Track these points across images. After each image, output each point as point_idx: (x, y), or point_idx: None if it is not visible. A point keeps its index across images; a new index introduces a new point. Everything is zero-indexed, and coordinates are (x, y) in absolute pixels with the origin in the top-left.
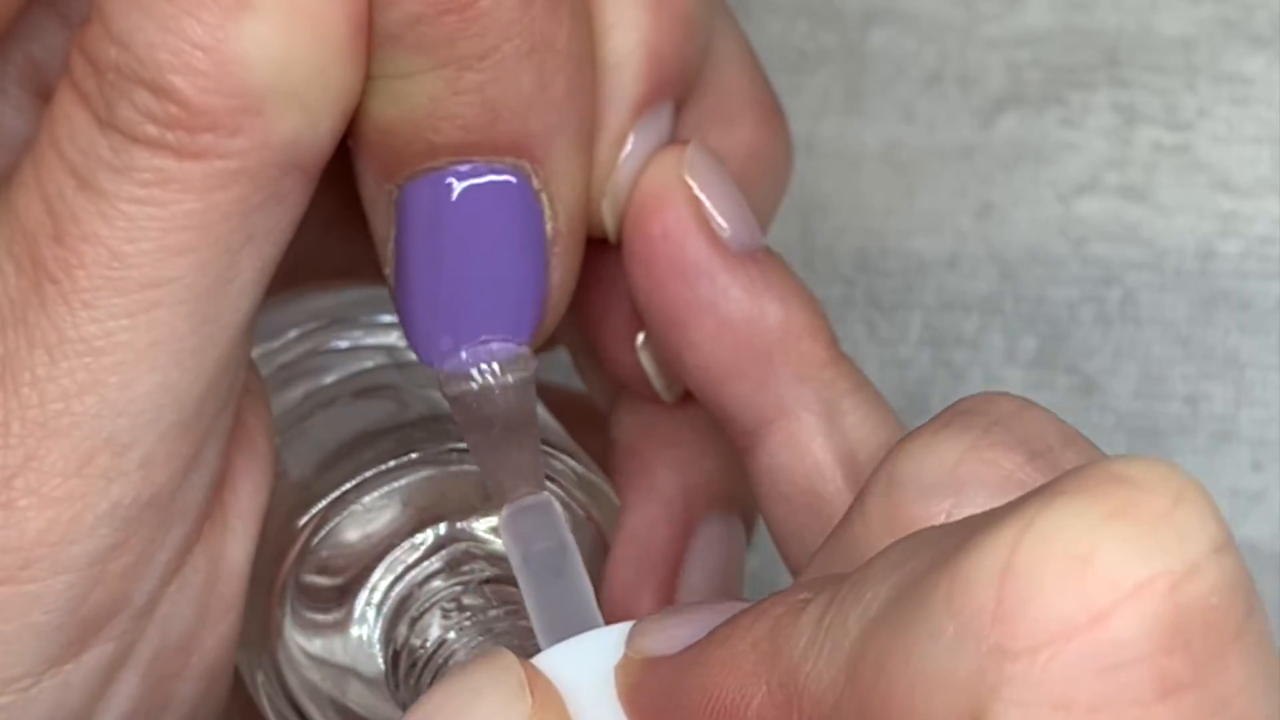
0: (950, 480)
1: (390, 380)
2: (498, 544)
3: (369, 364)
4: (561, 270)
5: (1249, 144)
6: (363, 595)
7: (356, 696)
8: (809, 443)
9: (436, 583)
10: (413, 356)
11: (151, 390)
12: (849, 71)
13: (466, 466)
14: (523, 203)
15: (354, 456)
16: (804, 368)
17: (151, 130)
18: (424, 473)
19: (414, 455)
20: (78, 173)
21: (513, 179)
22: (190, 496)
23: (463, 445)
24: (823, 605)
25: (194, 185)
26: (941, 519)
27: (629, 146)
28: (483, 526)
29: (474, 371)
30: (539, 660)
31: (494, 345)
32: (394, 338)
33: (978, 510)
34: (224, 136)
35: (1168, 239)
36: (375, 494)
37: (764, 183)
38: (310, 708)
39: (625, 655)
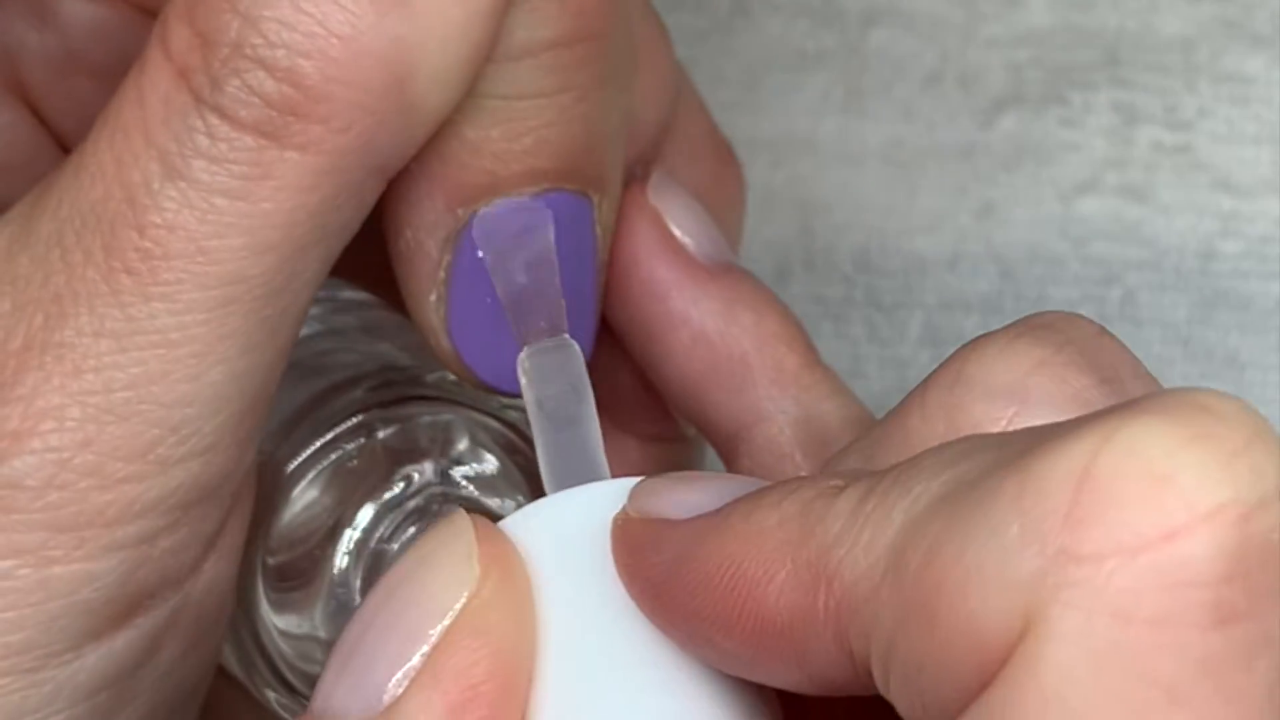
0: (1019, 388)
1: (329, 346)
2: (466, 489)
3: (305, 331)
4: (600, 299)
5: (1249, 144)
6: (335, 559)
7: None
8: (788, 446)
9: (409, 532)
10: (347, 320)
11: (218, 381)
12: (849, 71)
13: (426, 418)
14: (592, 235)
15: (309, 421)
16: (780, 374)
17: (262, 114)
18: (382, 432)
19: (364, 416)
20: (167, 160)
21: (589, 209)
22: (240, 477)
23: (415, 393)
24: (861, 492)
25: (289, 183)
26: (1003, 425)
27: None
28: (451, 471)
29: (505, 216)
30: (513, 521)
31: (513, 200)
32: (319, 309)
33: (1039, 421)
34: (334, 131)
35: (1168, 239)
36: (333, 457)
37: (728, 212)
38: (288, 675)
39: (624, 513)
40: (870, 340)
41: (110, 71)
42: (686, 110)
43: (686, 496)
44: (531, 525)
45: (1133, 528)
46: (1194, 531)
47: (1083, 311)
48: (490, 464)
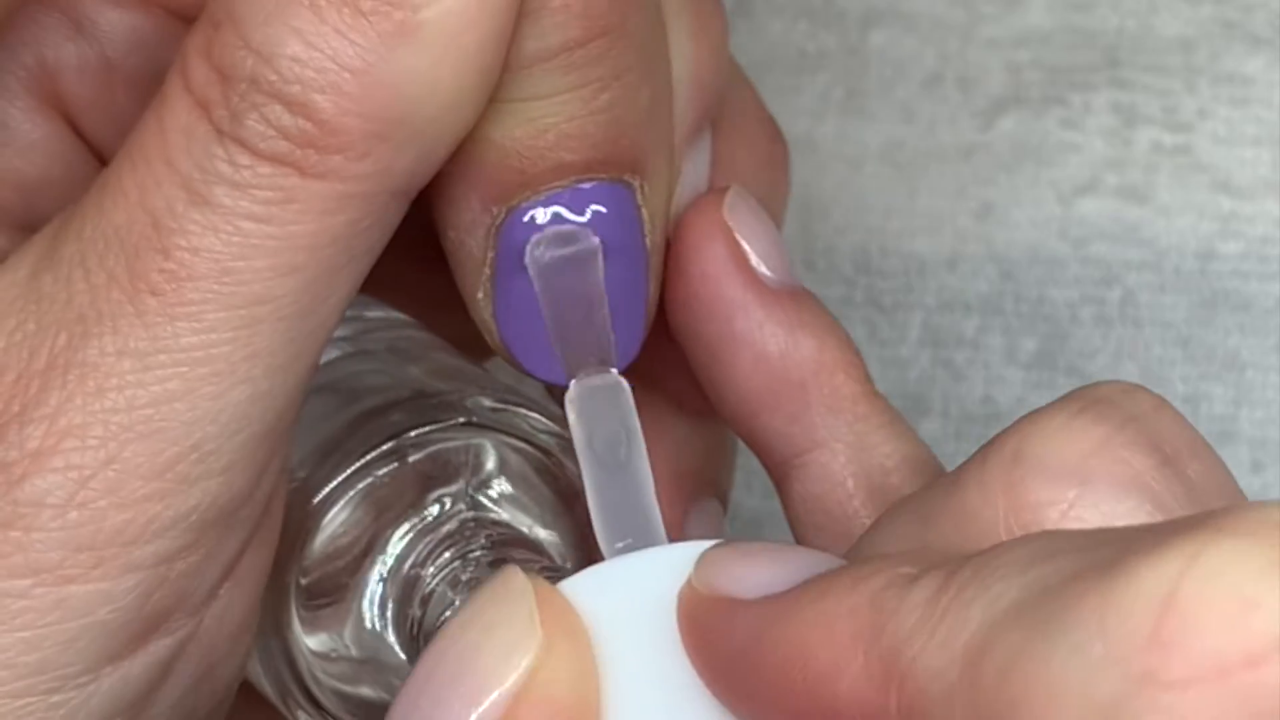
0: (1080, 469)
1: (360, 368)
2: (495, 511)
3: (335, 353)
4: (655, 284)
5: (1249, 144)
6: (367, 582)
7: (363, 684)
8: (840, 473)
9: (443, 557)
10: (376, 342)
11: (241, 401)
12: (849, 72)
13: (450, 444)
14: (637, 218)
15: (343, 446)
16: (837, 401)
17: (281, 146)
18: (414, 457)
19: (396, 441)
20: (191, 186)
21: (628, 194)
22: (259, 500)
23: (447, 418)
24: (935, 585)
25: (313, 206)
26: (1064, 507)
27: (683, 173)
28: (479, 494)
29: (554, 251)
30: (575, 583)
31: (569, 228)
32: (348, 330)
33: (1101, 504)
34: (352, 160)
35: (1168, 239)
36: (366, 482)
37: (777, 188)
38: (319, 695)
39: (690, 587)
40: (870, 340)
41: (148, 81)
42: (738, 88)
43: (754, 573)
44: (593, 590)
45: (1218, 653)
46: (1278, 657)
47: (1082, 312)
48: (522, 488)
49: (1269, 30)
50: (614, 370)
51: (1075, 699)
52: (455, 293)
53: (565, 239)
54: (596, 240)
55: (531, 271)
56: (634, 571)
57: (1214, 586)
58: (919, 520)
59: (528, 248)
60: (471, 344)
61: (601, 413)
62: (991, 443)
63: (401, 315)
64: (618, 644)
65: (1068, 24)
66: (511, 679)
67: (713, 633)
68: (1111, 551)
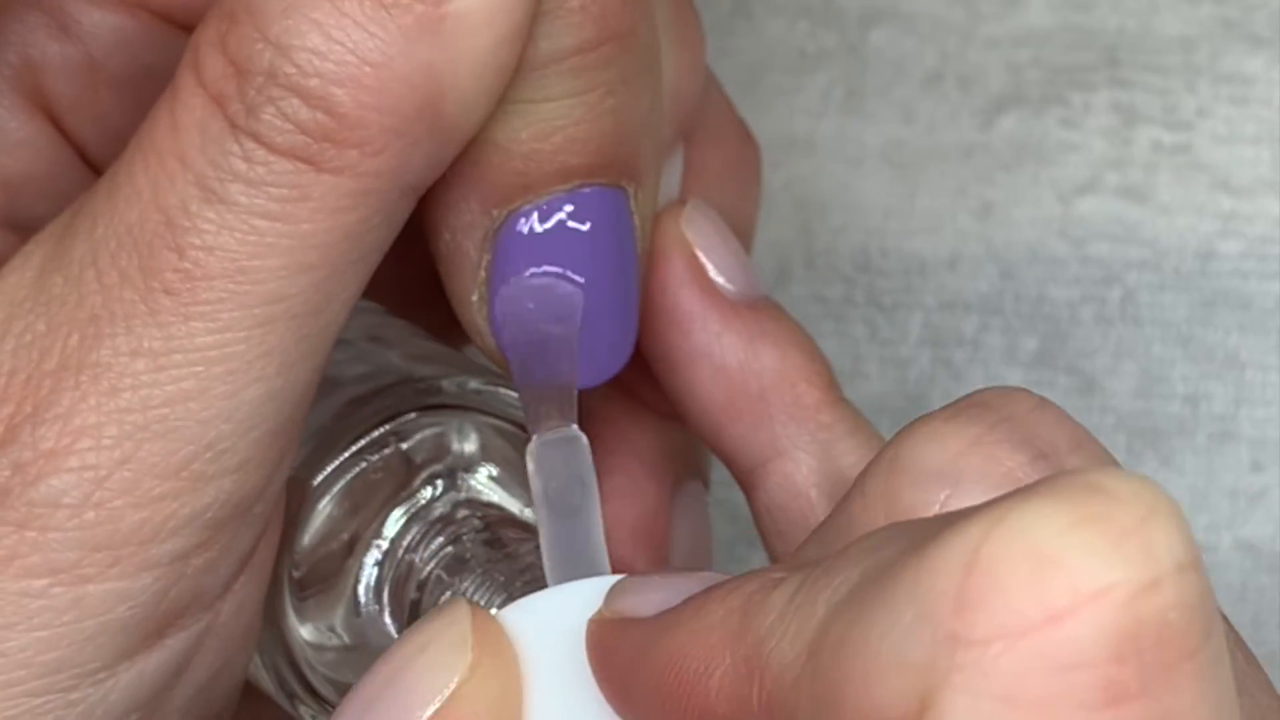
0: (950, 470)
1: (340, 356)
2: (485, 492)
3: None
4: (640, 288)
5: (1249, 144)
6: (360, 569)
7: (351, 671)
8: (803, 482)
9: (436, 540)
10: (354, 329)
11: (255, 399)
12: (849, 71)
13: (437, 428)
14: (631, 224)
15: (332, 435)
16: (799, 410)
17: (297, 140)
18: (403, 443)
19: (385, 428)
20: (205, 183)
21: (623, 200)
22: (271, 496)
23: (433, 402)
24: (795, 585)
25: (327, 203)
26: (936, 508)
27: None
28: (468, 476)
29: (527, 302)
30: (509, 612)
31: (545, 281)
32: None
33: (973, 503)
34: (368, 155)
35: (1168, 239)
36: (357, 470)
37: (748, 191)
38: (318, 686)
39: (599, 613)
40: (870, 340)
41: (132, 82)
42: (709, 91)
43: (653, 595)
44: (526, 617)
45: (1017, 611)
46: (1079, 613)
47: (1082, 311)
48: (511, 468)
49: (1269, 30)
50: (574, 424)
51: (891, 664)
52: (429, 287)
53: (542, 291)
54: (578, 293)
55: (501, 322)
56: (563, 601)
57: (1013, 546)
58: (818, 540)
59: (499, 298)
60: (443, 336)
61: (559, 464)
62: (873, 458)
63: (374, 304)
64: (543, 668)
65: (1068, 24)
66: (439, 696)
67: (610, 651)
68: (935, 528)
